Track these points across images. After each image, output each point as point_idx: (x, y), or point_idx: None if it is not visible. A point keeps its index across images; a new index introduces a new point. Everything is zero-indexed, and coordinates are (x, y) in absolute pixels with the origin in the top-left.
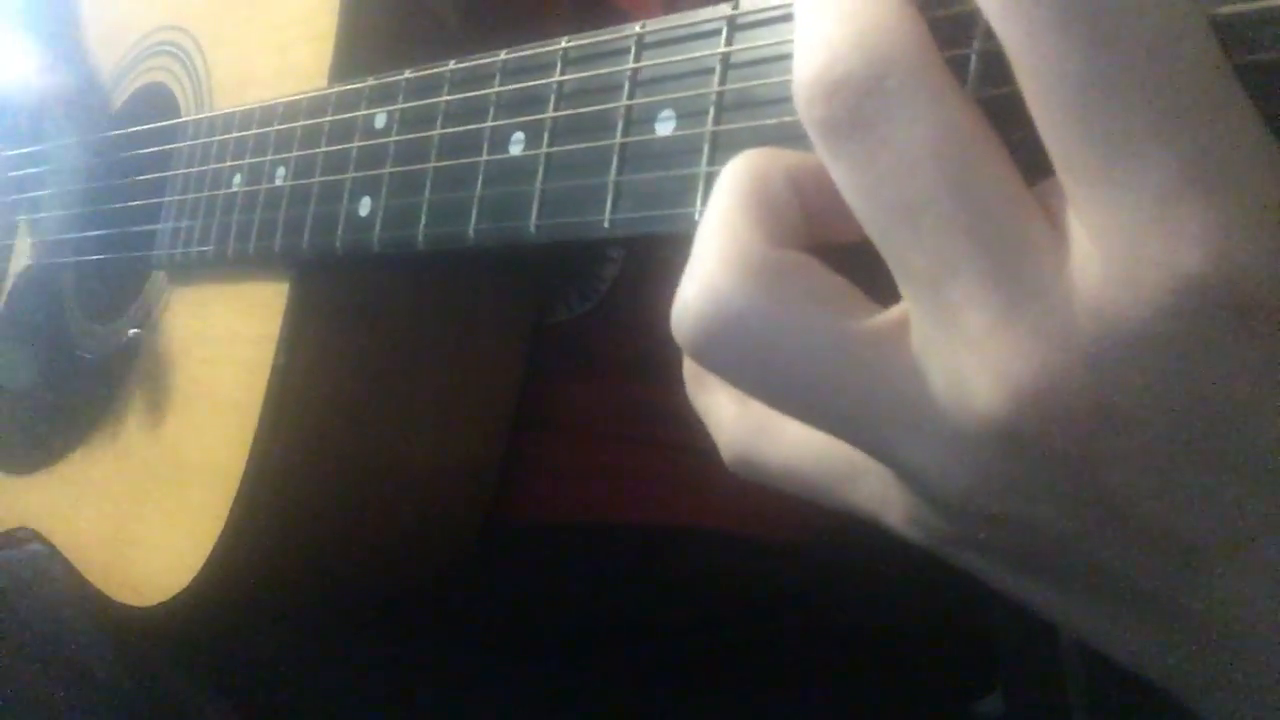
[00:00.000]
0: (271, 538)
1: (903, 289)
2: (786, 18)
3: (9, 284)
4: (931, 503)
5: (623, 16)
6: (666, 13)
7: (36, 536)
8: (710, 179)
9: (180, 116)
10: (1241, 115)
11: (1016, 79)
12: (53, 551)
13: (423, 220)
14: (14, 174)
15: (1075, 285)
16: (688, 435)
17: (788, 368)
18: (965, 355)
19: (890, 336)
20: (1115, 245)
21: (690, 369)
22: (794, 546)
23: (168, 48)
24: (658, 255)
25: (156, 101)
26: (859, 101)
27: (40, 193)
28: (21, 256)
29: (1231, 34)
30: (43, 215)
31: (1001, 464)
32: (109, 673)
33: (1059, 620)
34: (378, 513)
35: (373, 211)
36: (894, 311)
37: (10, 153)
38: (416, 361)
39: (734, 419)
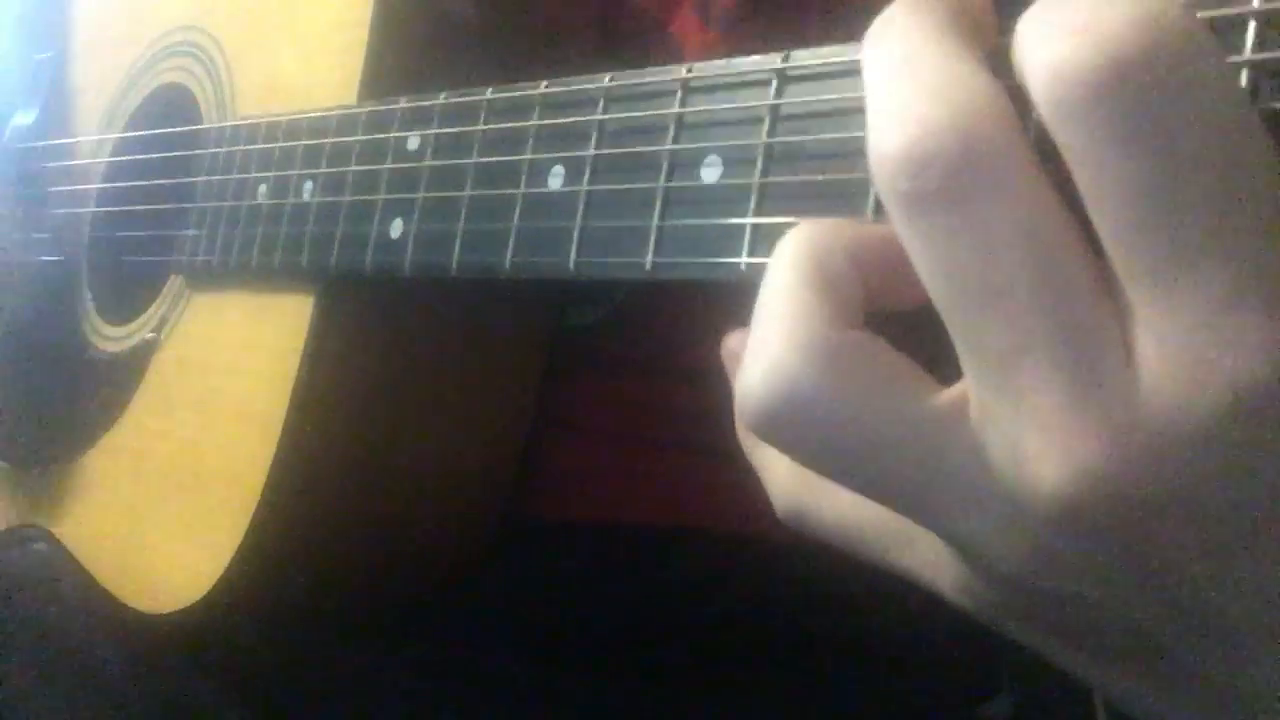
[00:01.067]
0: (289, 549)
1: (968, 365)
2: (840, 73)
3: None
4: (985, 575)
5: (649, 22)
6: (698, 15)
7: (45, 534)
8: (757, 230)
9: (201, 119)
10: None
11: (1076, 183)
12: (60, 550)
13: (457, 248)
14: (29, 167)
15: (1142, 383)
16: (698, 436)
17: (853, 449)
18: (1031, 435)
19: (954, 416)
20: (1175, 350)
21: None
22: (802, 548)
23: (188, 49)
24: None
25: (176, 102)
26: (950, 179)
27: (55, 189)
28: (29, 252)
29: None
30: (57, 211)
31: (1059, 543)
32: (116, 674)
33: (1098, 685)
34: (395, 521)
35: (404, 234)
36: (956, 390)
37: (24, 145)
38: (437, 370)
39: (788, 475)
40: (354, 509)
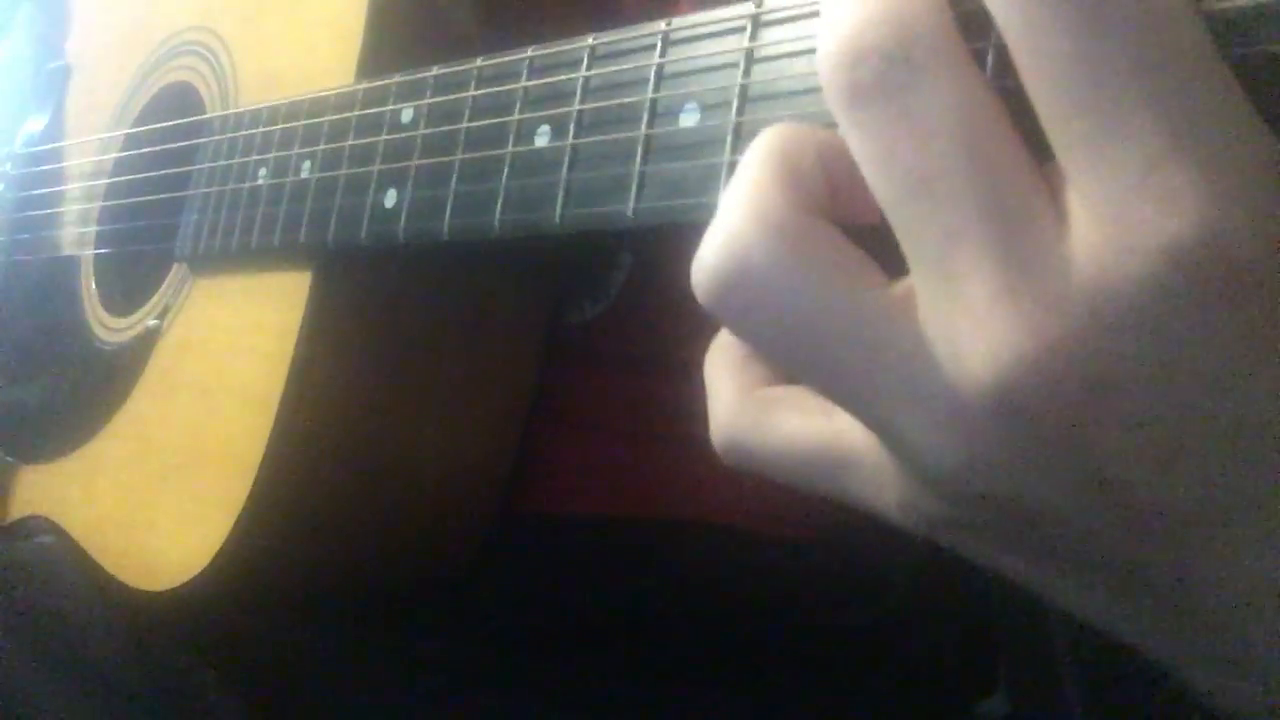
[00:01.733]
0: (285, 527)
1: (911, 261)
2: (809, 16)
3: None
4: (926, 484)
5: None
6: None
7: (49, 526)
8: (733, 168)
9: (205, 112)
10: (1227, 89)
11: (1014, 61)
12: (64, 543)
13: (448, 211)
14: (38, 169)
15: (1073, 257)
16: (694, 431)
17: (801, 327)
18: (965, 326)
19: (899, 308)
20: (1107, 214)
21: (717, 344)
22: (798, 543)
23: (194, 48)
24: (665, 259)
25: (181, 100)
26: (884, 70)
27: (63, 188)
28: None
29: (1228, 28)
30: (65, 209)
31: (995, 437)
32: (119, 666)
33: (1047, 595)
34: (392, 505)
35: (399, 203)
36: (904, 284)
37: (28, 150)
38: (434, 356)
39: (733, 402)
40: (350, 490)
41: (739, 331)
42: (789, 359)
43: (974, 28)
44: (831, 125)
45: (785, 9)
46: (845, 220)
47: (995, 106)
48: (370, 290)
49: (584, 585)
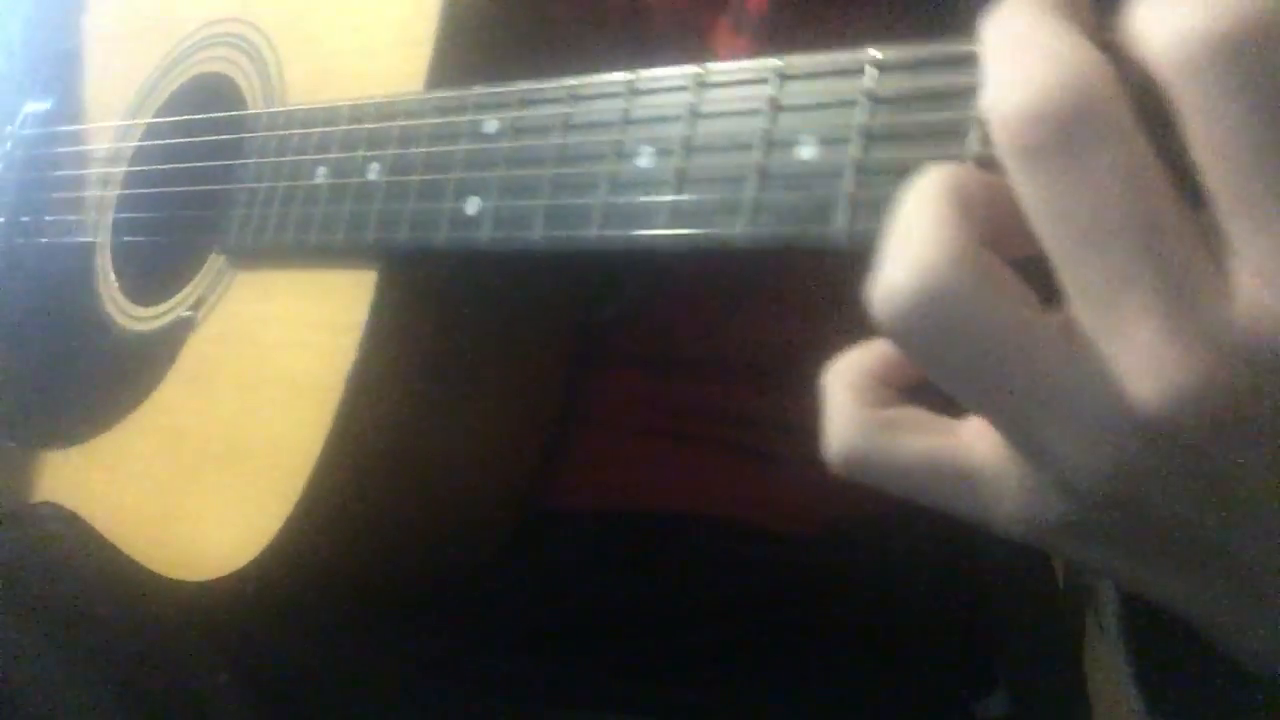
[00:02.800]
0: (335, 520)
1: (1076, 299)
2: (932, 63)
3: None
4: (1059, 493)
5: (679, 24)
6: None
7: (61, 513)
8: (853, 200)
9: (245, 106)
10: None
11: (1186, 135)
12: (75, 531)
13: (540, 222)
14: (43, 151)
15: (1237, 308)
16: (714, 429)
17: (980, 352)
18: (1131, 359)
19: (1063, 336)
20: (1273, 278)
21: (839, 365)
22: (800, 539)
23: (231, 40)
24: (680, 259)
25: (216, 91)
26: (1064, 132)
27: (75, 173)
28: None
29: None
30: (76, 195)
31: (1144, 454)
32: (126, 658)
33: (1134, 585)
34: (429, 502)
35: (482, 211)
36: (1061, 314)
37: (34, 131)
38: (479, 355)
39: (856, 421)
40: (394, 486)
41: (917, 355)
42: (956, 380)
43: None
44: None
45: (906, 56)
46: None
47: (1162, 169)
48: (428, 292)
49: (588, 581)
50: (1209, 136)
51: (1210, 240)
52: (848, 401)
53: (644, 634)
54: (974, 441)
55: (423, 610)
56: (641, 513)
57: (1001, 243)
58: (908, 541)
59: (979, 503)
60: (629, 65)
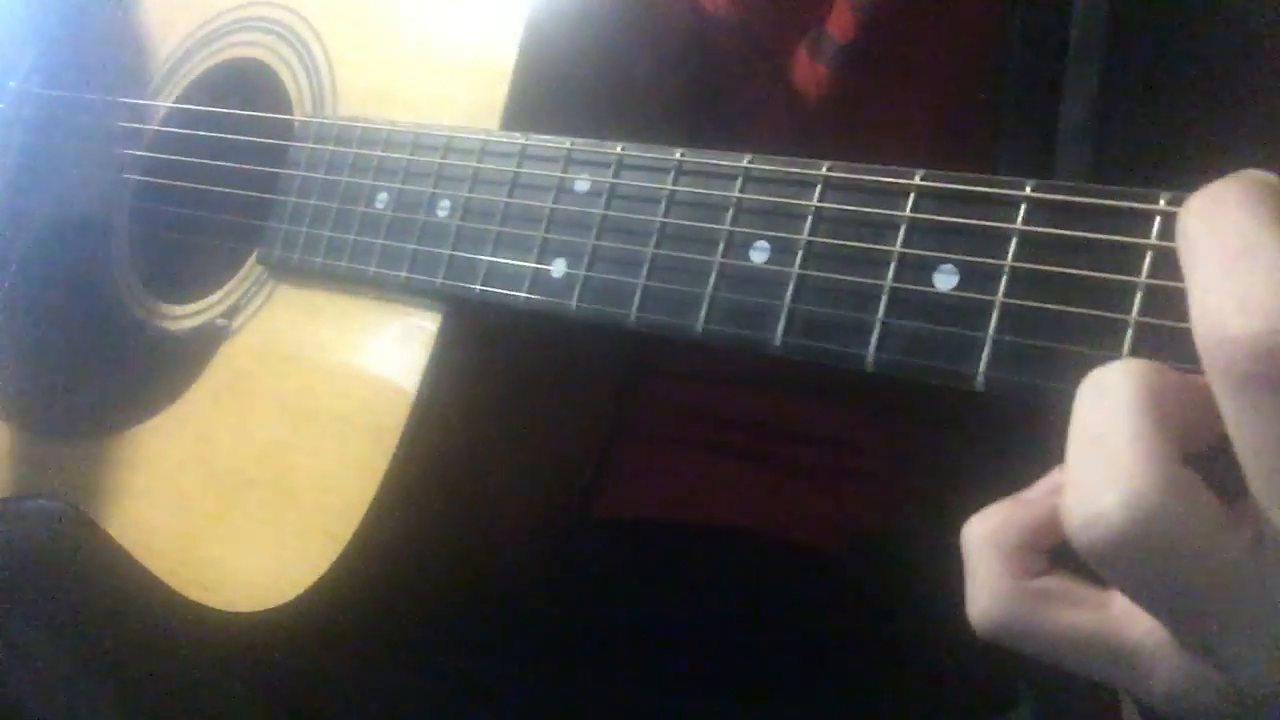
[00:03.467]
0: (385, 562)
1: (1276, 522)
2: (1092, 211)
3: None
4: (1223, 688)
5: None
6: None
7: (68, 509)
8: (997, 346)
9: (290, 106)
10: None
11: None
12: (72, 524)
13: (637, 301)
14: (52, 114)
15: None
16: (743, 442)
17: (1179, 576)
18: None
19: (1257, 556)
20: None
21: (983, 527)
22: (824, 553)
23: (272, 26)
24: None
25: (254, 80)
26: None
27: (87, 143)
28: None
29: None
30: (87, 169)
31: None
32: (135, 667)
33: None
34: (478, 535)
35: (570, 277)
36: (1252, 530)
37: (44, 91)
38: (533, 395)
39: (1005, 591)
40: (446, 526)
41: (1116, 579)
42: (1153, 597)
43: None
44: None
45: (1067, 196)
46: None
47: None
48: (493, 338)
49: (628, 590)
50: None
51: None
52: (996, 569)
53: (676, 643)
54: (1128, 618)
55: (464, 624)
56: (677, 523)
57: (1193, 438)
58: (933, 555)
59: (1130, 678)
60: (692, 94)
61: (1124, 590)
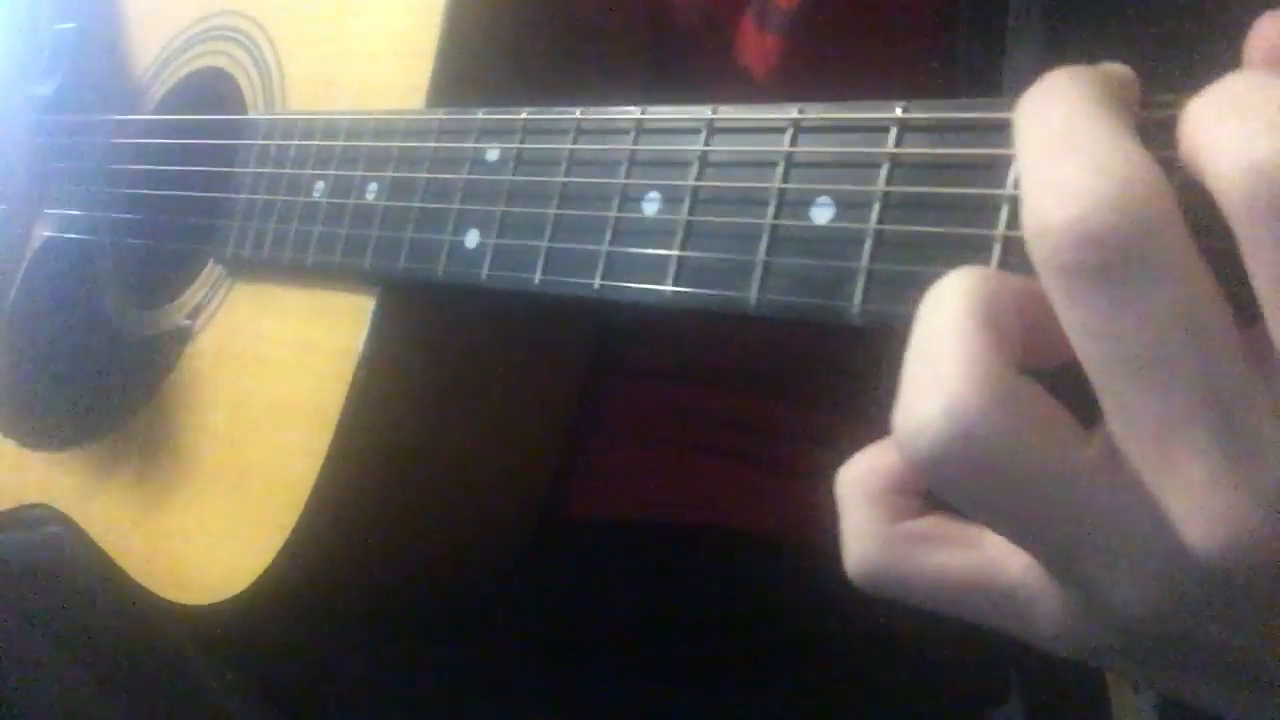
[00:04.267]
0: (333, 548)
1: (1120, 429)
2: (960, 127)
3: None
4: (1103, 620)
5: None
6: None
7: (58, 517)
8: (872, 275)
9: (245, 107)
10: None
11: (1250, 274)
12: (72, 534)
13: (541, 264)
14: (43, 139)
15: None
16: (725, 439)
17: (1017, 489)
18: (1183, 500)
19: (1105, 469)
20: None
21: (852, 474)
22: (813, 549)
23: (231, 33)
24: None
25: (216, 87)
26: (1115, 256)
27: (75, 165)
28: (45, 227)
29: None
30: (78, 190)
31: (1195, 595)
32: (131, 659)
33: (1177, 695)
34: (435, 523)
35: (482, 246)
36: (1102, 442)
37: (43, 116)
38: (486, 377)
39: (876, 536)
40: (396, 512)
41: (947, 493)
42: (994, 516)
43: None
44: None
45: (934, 117)
46: (1032, 366)
47: (1219, 301)
48: (431, 318)
49: (607, 590)
50: (1270, 275)
51: (1273, 384)
52: (865, 515)
53: (658, 643)
54: (1005, 556)
55: (438, 620)
56: (657, 523)
57: (1038, 353)
58: None
59: (1014, 619)
60: (650, 67)
61: (970, 512)
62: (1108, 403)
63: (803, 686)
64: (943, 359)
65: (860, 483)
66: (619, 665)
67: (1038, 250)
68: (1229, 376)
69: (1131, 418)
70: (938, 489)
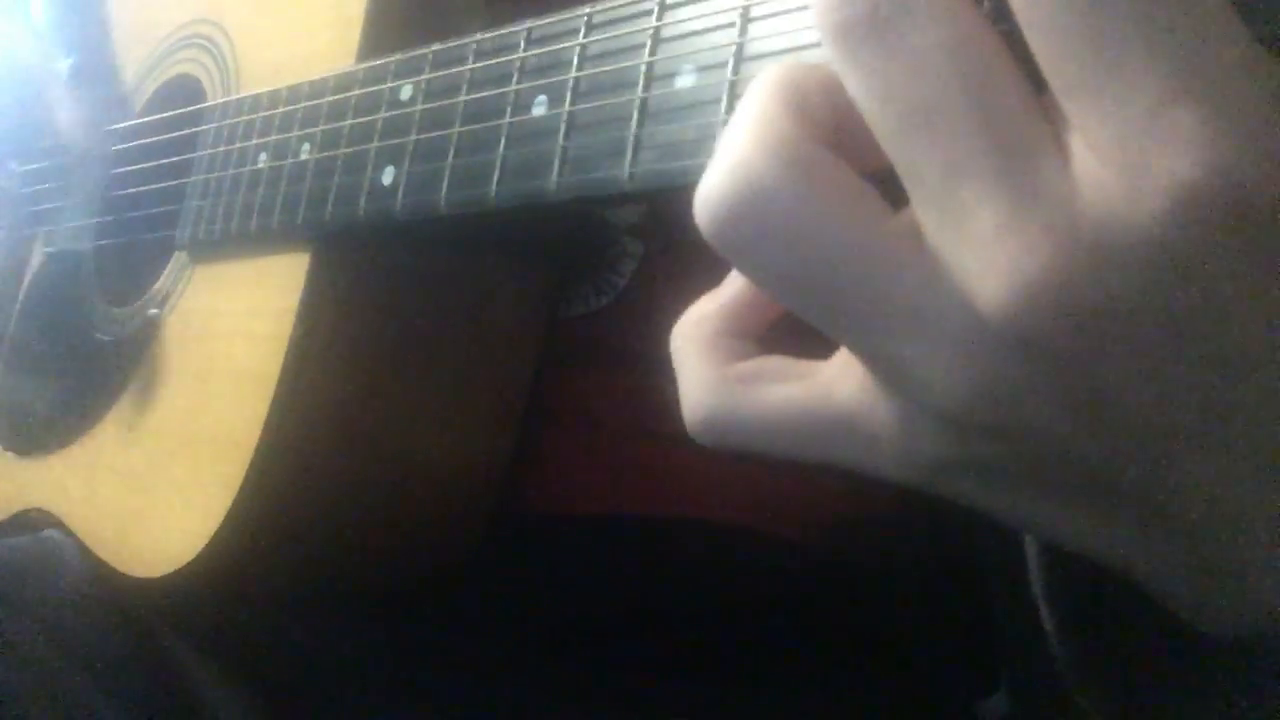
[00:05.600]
0: (281, 511)
1: (913, 194)
2: None
3: (29, 275)
4: (931, 422)
5: None
6: None
7: (50, 519)
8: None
9: (205, 102)
10: (1227, 27)
11: (1013, 7)
12: (66, 536)
13: (445, 185)
14: (34, 166)
15: (1079, 192)
16: (677, 425)
17: (811, 257)
18: (974, 255)
19: (906, 239)
20: (1114, 155)
21: (683, 325)
22: (799, 542)
23: (198, 40)
24: (676, 250)
25: (183, 91)
26: (876, 6)
27: (61, 183)
28: (44, 247)
29: None
30: (63, 204)
31: (1003, 363)
32: (120, 661)
33: (1034, 528)
34: (386, 496)
35: (395, 179)
36: (906, 215)
37: (26, 168)
38: (433, 345)
39: (707, 380)
40: (345, 477)
41: (742, 264)
42: (793, 291)
43: None
44: None
45: None
46: (850, 163)
47: (992, 41)
48: (369, 274)
49: (582, 584)
50: (1034, 6)
51: (1053, 120)
52: (697, 362)
53: (640, 638)
54: (837, 381)
55: (417, 609)
56: (635, 516)
57: (858, 152)
58: (906, 543)
59: (855, 448)
60: None
61: (772, 289)
62: (897, 165)
63: (789, 679)
64: (737, 128)
65: (690, 333)
66: (596, 660)
67: (816, 17)
68: (1005, 111)
69: (919, 175)
70: (732, 260)
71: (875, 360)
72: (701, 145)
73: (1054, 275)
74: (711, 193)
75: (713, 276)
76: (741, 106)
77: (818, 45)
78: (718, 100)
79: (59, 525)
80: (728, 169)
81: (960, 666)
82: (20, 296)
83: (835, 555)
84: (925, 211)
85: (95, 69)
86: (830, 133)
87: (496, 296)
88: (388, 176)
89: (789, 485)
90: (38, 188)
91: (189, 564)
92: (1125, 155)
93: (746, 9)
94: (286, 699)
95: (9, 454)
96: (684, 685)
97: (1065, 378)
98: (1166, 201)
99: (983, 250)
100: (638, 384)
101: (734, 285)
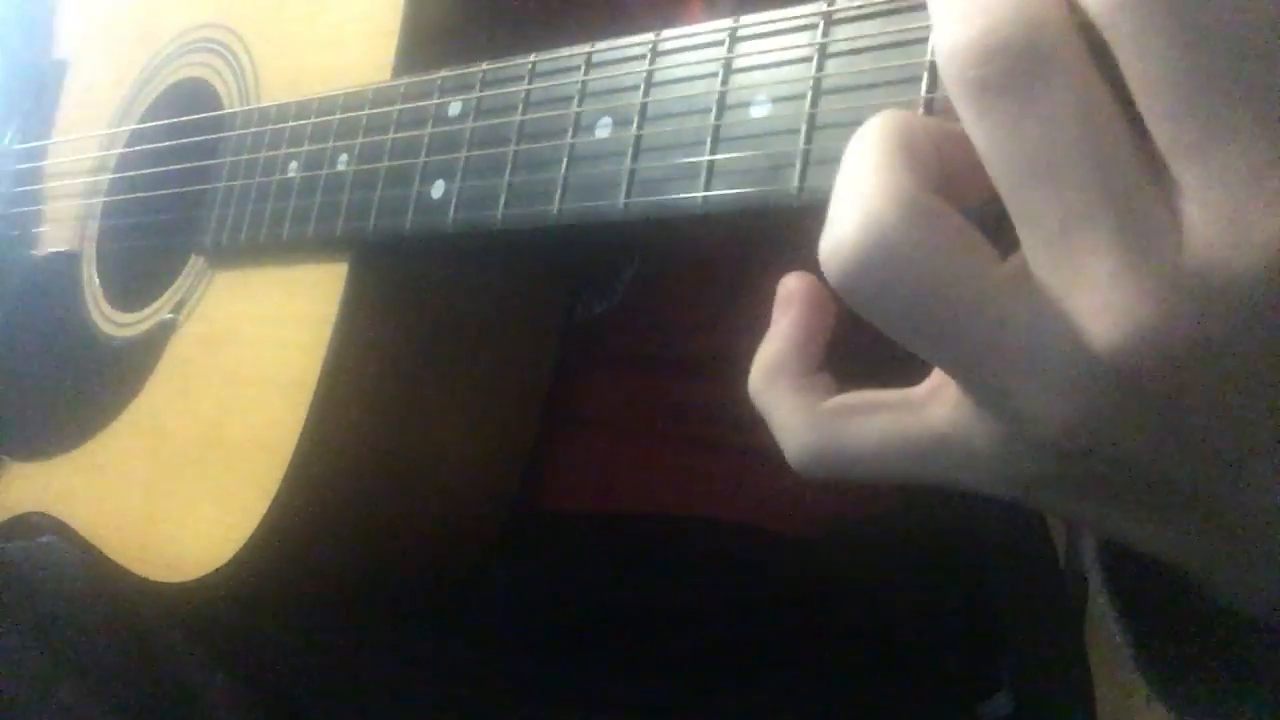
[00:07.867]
0: (317, 515)
1: (1027, 239)
2: (884, 13)
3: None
4: (1029, 446)
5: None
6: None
7: (51, 523)
8: (807, 156)
9: (222, 108)
10: None
11: (1123, 71)
12: (66, 541)
13: (502, 200)
14: (28, 165)
15: (1188, 244)
16: (702, 428)
17: (934, 303)
18: (1086, 300)
19: (1019, 281)
20: (1220, 213)
21: (767, 370)
22: (804, 541)
23: (209, 45)
24: (671, 256)
25: (195, 95)
26: (1015, 66)
27: (56, 184)
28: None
29: None
30: (57, 205)
31: (1109, 397)
32: (122, 668)
33: (1111, 532)
34: (413, 499)
35: (447, 193)
36: (1018, 259)
37: (21, 146)
38: (457, 351)
39: (806, 421)
40: (376, 481)
41: (871, 311)
42: (914, 333)
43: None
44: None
45: (857, 7)
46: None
47: (1114, 104)
48: (403, 284)
49: (587, 583)
50: (1142, 70)
51: (1163, 177)
52: (790, 405)
53: (642, 636)
54: (932, 406)
55: (421, 612)
56: (641, 515)
57: (957, 191)
58: (909, 542)
59: (953, 468)
60: (605, 38)
61: (889, 329)
62: (1017, 215)
63: (792, 679)
64: (860, 181)
65: (774, 380)
66: (601, 659)
67: (948, 72)
68: (1123, 169)
69: (1038, 223)
70: (858, 306)
71: (982, 391)
72: (779, 173)
73: (1162, 320)
74: (842, 246)
75: (705, 280)
76: (856, 156)
77: (890, 83)
78: (795, 130)
79: (61, 529)
80: (859, 223)
81: (963, 666)
82: (11, 299)
83: (838, 554)
84: (1040, 255)
85: (86, 66)
86: (939, 179)
87: (513, 304)
88: (437, 190)
89: (791, 485)
90: (18, 189)
91: (221, 567)
92: (1229, 213)
93: (824, 46)
94: (291, 705)
95: (2, 457)
96: (685, 683)
97: (1159, 409)
98: (1265, 254)
99: (1096, 295)
100: (640, 385)
101: (796, 326)
